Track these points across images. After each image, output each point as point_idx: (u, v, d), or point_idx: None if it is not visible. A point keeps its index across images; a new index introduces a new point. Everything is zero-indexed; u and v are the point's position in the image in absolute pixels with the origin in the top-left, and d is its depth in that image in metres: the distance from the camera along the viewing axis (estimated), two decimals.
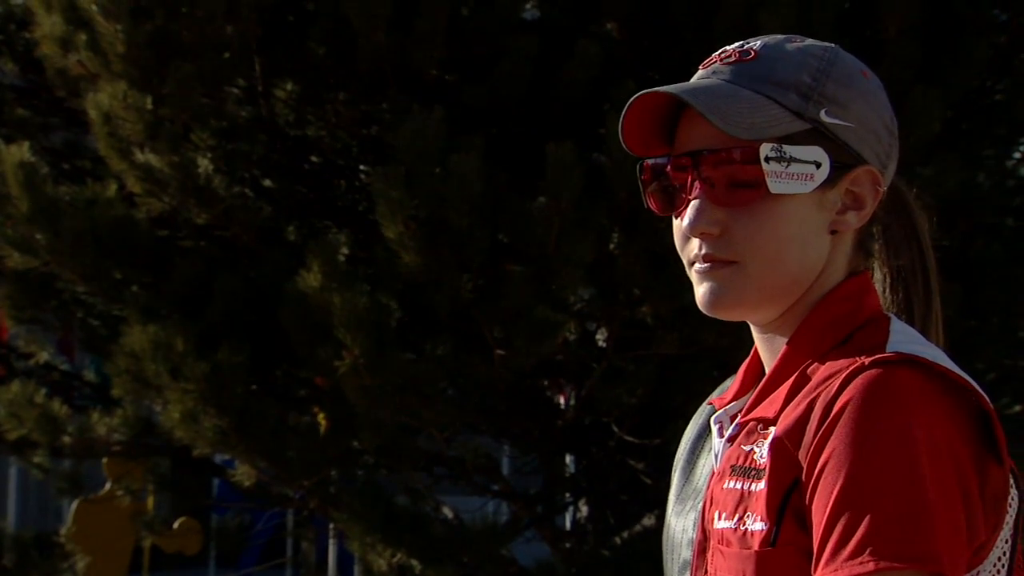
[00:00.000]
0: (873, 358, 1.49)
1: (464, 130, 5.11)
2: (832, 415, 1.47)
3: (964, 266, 5.50)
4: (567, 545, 6.13)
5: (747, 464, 1.54)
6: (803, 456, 1.48)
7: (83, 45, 5.44)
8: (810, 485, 1.46)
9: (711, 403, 1.72)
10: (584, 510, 6.26)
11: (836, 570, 1.42)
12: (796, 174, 1.54)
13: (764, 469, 1.51)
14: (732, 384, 1.69)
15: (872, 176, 1.59)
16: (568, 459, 6.60)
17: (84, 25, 5.44)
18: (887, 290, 1.66)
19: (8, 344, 7.32)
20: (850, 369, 1.49)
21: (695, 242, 1.58)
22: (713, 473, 1.62)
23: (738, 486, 1.54)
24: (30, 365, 6.99)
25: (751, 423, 1.57)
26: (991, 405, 1.49)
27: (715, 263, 1.57)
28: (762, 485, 1.50)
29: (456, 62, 5.44)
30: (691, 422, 1.77)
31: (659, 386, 5.55)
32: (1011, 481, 1.50)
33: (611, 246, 5.09)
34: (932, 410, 1.46)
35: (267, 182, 6.01)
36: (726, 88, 1.56)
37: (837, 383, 1.48)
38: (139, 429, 6.09)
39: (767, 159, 1.54)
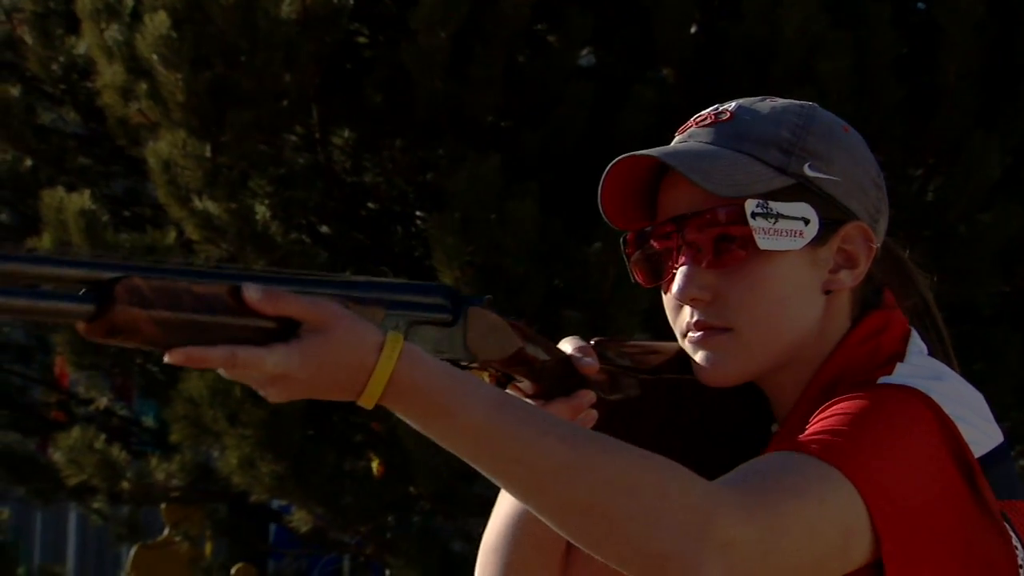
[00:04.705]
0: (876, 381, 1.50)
1: (520, 176, 5.12)
2: (825, 403, 1.48)
3: None
4: None
5: None
6: None
7: (144, 94, 5.50)
8: None
9: None
10: None
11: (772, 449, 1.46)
12: (784, 230, 1.51)
13: None
14: None
15: (863, 232, 1.55)
16: None
17: (145, 74, 5.50)
18: None
19: (68, 390, 7.38)
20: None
21: (687, 310, 1.55)
22: None
23: None
24: (90, 411, 7.04)
25: None
26: (976, 460, 1.47)
27: (708, 331, 1.53)
28: None
29: (512, 109, 5.46)
30: None
31: None
32: (1008, 528, 1.48)
33: None
34: (926, 424, 1.46)
35: (324, 228, 6.05)
36: (705, 149, 1.54)
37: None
38: (197, 475, 6.11)
39: (753, 215, 1.50)
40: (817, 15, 5.09)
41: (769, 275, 1.52)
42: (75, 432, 6.06)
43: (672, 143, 1.59)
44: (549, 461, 1.36)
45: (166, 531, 7.78)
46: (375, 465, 5.84)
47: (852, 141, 1.58)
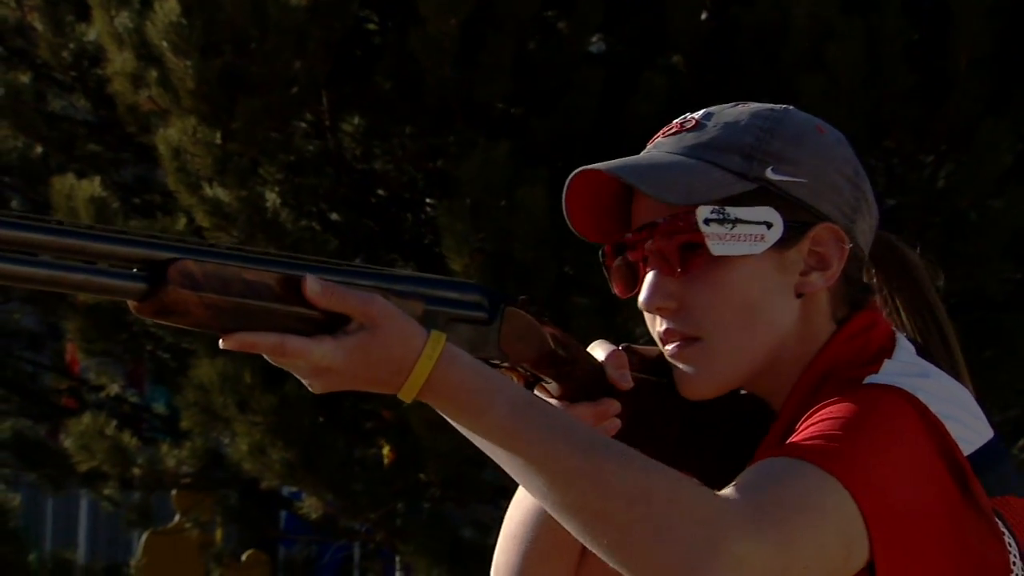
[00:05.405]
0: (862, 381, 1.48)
1: (530, 163, 5.12)
2: (812, 408, 1.46)
3: None
4: None
5: None
6: None
7: (154, 81, 5.51)
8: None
9: None
10: None
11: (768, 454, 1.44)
12: (743, 235, 1.50)
13: None
14: None
15: (834, 233, 1.53)
16: None
17: (155, 62, 5.50)
18: None
19: (79, 377, 7.40)
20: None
21: (658, 320, 1.55)
22: None
23: None
24: (101, 397, 7.06)
25: None
26: (965, 459, 1.45)
27: (681, 342, 1.53)
28: None
29: (522, 95, 5.46)
30: None
31: None
32: (1000, 525, 1.46)
33: None
34: (914, 426, 1.44)
35: (334, 215, 6.05)
36: (663, 158, 1.54)
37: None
38: (207, 461, 6.13)
39: (707, 221, 1.49)
40: (827, 1, 5.08)
41: (732, 281, 1.51)
42: (86, 418, 6.07)
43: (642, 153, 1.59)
44: (563, 465, 1.38)
45: (177, 518, 7.79)
46: (385, 452, 5.85)
47: (824, 141, 1.55)
